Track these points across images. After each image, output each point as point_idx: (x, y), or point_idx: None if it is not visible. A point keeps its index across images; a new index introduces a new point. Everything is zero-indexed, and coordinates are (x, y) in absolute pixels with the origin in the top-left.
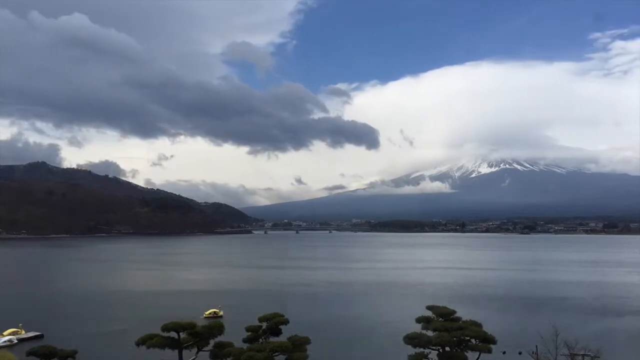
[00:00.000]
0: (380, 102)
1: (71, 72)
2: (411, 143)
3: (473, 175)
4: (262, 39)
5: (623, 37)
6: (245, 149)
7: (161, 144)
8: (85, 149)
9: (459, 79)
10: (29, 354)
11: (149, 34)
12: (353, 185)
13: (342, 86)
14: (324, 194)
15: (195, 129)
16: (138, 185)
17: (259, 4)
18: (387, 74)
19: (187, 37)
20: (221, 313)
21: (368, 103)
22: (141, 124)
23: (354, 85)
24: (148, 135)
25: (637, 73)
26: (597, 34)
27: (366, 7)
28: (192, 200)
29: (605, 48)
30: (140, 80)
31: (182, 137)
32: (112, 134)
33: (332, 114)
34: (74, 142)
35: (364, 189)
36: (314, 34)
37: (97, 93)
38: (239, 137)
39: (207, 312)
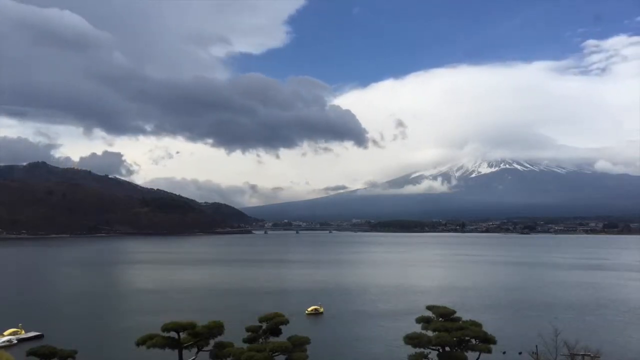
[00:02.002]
0: (365, 103)
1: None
2: (408, 143)
3: (473, 175)
4: (242, 42)
5: (596, 36)
6: (225, 147)
7: (133, 142)
8: (53, 147)
9: (442, 80)
10: (29, 354)
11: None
12: (353, 185)
13: (326, 86)
14: (324, 194)
15: (171, 127)
16: (138, 185)
17: (238, 9)
18: (367, 76)
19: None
20: (322, 310)
21: (353, 103)
22: (108, 121)
23: (334, 85)
24: (117, 132)
25: (616, 70)
26: (571, 35)
27: (346, 11)
28: (192, 201)
29: (579, 47)
30: (103, 71)
31: (161, 135)
32: (77, 131)
33: (317, 111)
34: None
35: (364, 188)
36: (297, 38)
37: (51, 84)
38: (217, 135)
39: (309, 309)
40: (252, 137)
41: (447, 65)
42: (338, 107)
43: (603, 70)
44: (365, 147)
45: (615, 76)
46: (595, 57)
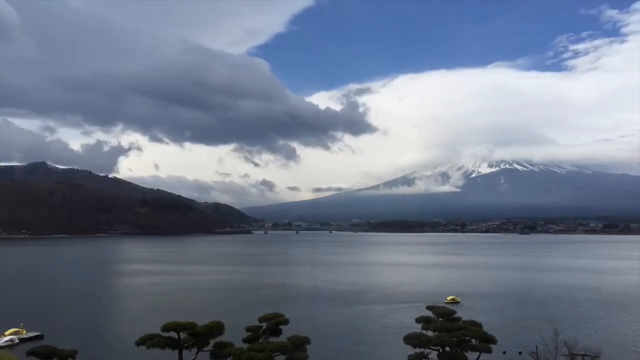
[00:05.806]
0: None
1: None
2: (405, 143)
3: (473, 175)
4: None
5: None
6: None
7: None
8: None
9: (425, 84)
10: (29, 354)
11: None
12: (353, 185)
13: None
14: (324, 194)
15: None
16: (138, 186)
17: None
18: (333, 82)
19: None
20: (458, 299)
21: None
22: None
23: (297, 86)
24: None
25: (580, 68)
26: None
27: (327, 17)
28: (192, 201)
29: (552, 48)
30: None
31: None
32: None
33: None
34: None
35: (364, 189)
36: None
37: None
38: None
39: (448, 298)
40: (192, 127)
41: (426, 71)
42: (310, 103)
43: (571, 68)
44: (373, 150)
45: (583, 74)
46: (568, 55)
